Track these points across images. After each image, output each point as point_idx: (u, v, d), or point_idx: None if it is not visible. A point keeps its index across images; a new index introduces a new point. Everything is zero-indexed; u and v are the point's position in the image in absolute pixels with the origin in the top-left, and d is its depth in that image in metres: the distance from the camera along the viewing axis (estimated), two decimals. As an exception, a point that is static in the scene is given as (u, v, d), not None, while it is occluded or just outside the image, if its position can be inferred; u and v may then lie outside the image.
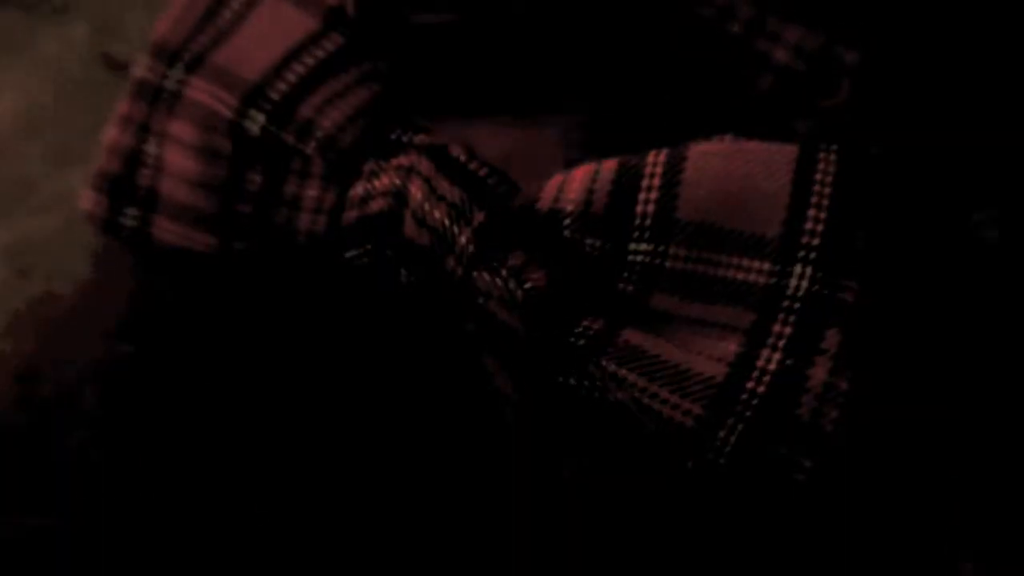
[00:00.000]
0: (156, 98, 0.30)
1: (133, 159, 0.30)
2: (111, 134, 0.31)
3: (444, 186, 0.28)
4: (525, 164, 0.30)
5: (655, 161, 0.27)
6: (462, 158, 0.28)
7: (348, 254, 0.29)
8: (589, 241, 0.27)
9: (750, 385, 0.25)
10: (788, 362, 0.25)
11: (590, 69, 0.32)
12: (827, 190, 0.26)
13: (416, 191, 0.28)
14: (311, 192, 0.29)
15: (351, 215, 0.29)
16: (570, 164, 0.29)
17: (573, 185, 0.27)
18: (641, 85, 0.32)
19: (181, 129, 0.30)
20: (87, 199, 0.31)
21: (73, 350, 0.31)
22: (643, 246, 0.27)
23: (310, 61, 0.29)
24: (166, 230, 0.30)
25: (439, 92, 0.32)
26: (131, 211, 0.30)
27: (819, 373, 0.25)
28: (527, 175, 0.29)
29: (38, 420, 0.30)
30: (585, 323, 0.27)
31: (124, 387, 0.31)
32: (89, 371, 0.31)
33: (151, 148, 0.30)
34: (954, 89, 0.31)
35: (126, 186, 0.30)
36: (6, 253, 0.33)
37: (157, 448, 0.30)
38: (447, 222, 0.27)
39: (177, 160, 0.30)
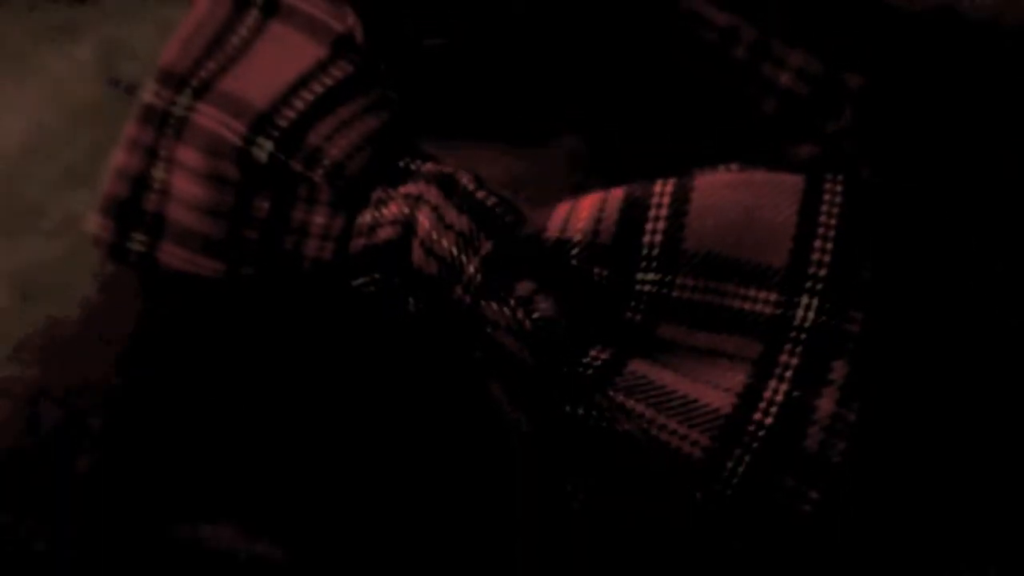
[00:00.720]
0: (163, 123, 0.30)
1: (140, 184, 0.30)
2: (119, 158, 0.31)
3: (452, 215, 0.28)
4: (532, 188, 0.31)
5: (662, 191, 0.27)
6: (470, 187, 0.28)
7: (355, 282, 0.29)
8: (597, 270, 0.27)
9: (757, 416, 0.25)
10: (795, 393, 0.25)
11: (594, 92, 0.32)
12: (833, 221, 0.27)
13: (424, 220, 0.28)
14: (319, 219, 0.29)
15: (359, 243, 0.29)
16: (577, 188, 0.29)
17: (580, 214, 0.27)
18: (645, 107, 0.32)
19: (188, 155, 0.30)
20: (94, 223, 0.31)
21: (79, 374, 0.31)
22: (650, 276, 0.27)
23: (318, 89, 0.29)
24: (172, 255, 0.30)
25: (446, 117, 0.32)
26: (138, 236, 0.30)
27: (826, 404, 0.25)
28: (534, 199, 0.29)
29: (44, 444, 0.30)
30: (593, 353, 0.27)
31: (131, 412, 0.31)
32: (96, 395, 0.31)
33: (158, 173, 0.30)
34: (956, 115, 0.31)
35: (133, 210, 0.30)
36: (12, 277, 0.33)
37: (163, 472, 0.30)
38: (455, 251, 0.27)
39: (184, 186, 0.30)
